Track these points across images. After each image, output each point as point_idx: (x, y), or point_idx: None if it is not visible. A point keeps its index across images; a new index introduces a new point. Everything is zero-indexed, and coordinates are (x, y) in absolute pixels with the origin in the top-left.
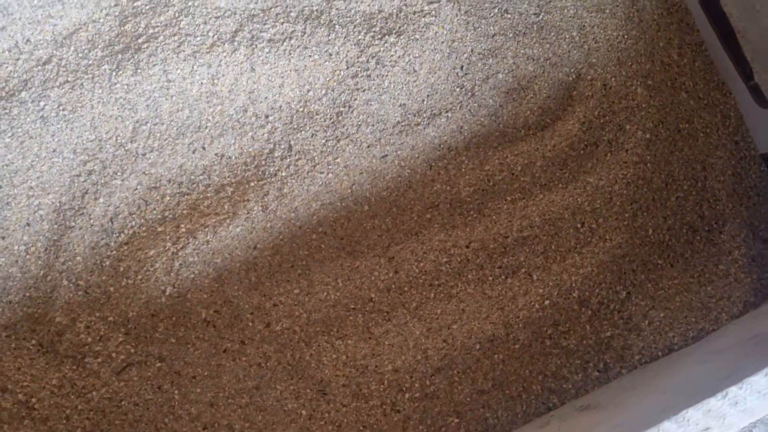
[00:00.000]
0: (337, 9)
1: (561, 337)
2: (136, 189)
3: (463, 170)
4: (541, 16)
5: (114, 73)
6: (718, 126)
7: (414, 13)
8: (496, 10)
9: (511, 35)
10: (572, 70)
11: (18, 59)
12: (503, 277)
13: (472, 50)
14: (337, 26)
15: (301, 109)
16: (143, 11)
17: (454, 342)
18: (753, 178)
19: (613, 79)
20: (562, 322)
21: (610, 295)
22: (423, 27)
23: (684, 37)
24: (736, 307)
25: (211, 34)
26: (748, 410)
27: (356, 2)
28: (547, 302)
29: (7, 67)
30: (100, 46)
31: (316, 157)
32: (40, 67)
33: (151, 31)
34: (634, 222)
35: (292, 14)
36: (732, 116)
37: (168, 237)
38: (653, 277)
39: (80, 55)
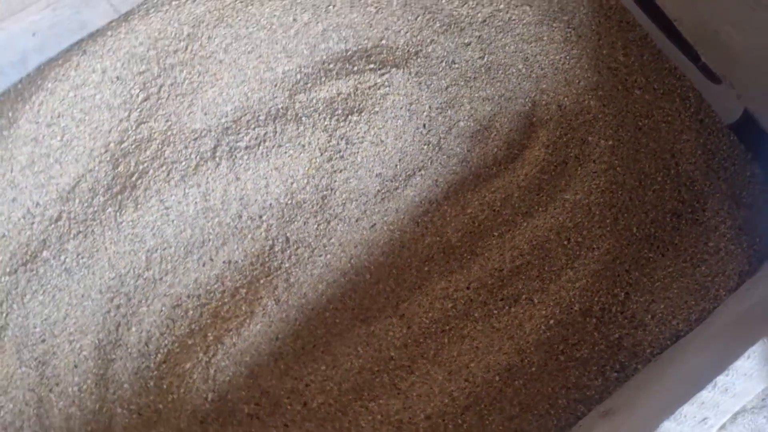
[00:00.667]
0: (299, 102)
1: (573, 350)
2: (161, 311)
3: (448, 219)
4: (486, 59)
5: (118, 214)
6: (680, 111)
7: (369, 87)
8: (443, 64)
9: (462, 83)
10: (527, 100)
11: (33, 223)
12: (507, 307)
13: (430, 107)
14: (303, 118)
15: (289, 202)
16: (130, 150)
17: (474, 379)
18: (725, 149)
19: (566, 99)
20: (571, 336)
21: (609, 299)
22: (380, 99)
23: (627, 36)
24: (732, 280)
25: (193, 156)
26: (738, 394)
27: (315, 91)
28: (552, 321)
29: (25, 232)
30: (101, 192)
31: (312, 243)
32: (53, 225)
33: (141, 167)
34: (617, 225)
35: (260, 117)
36: (691, 97)
37: (199, 348)
38: (647, 271)
39: (85, 204)
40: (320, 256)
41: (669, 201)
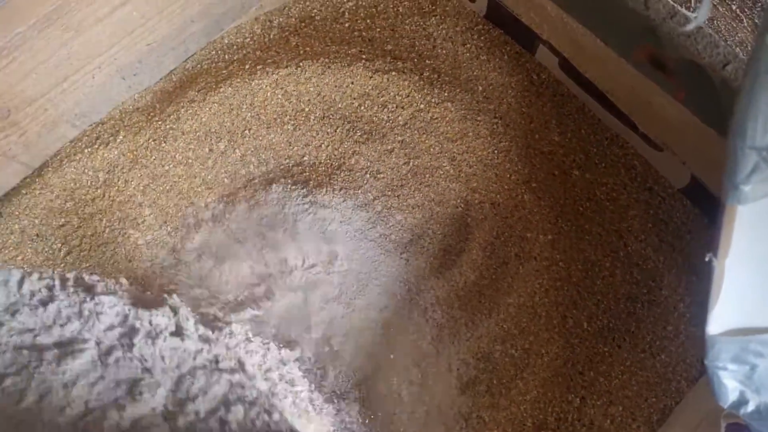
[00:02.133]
0: (226, 233)
1: None
2: None
3: (391, 340)
4: (411, 164)
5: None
6: (625, 182)
7: (294, 210)
8: (367, 176)
9: (389, 193)
10: (459, 202)
11: None
12: (457, 428)
13: (358, 224)
14: (233, 245)
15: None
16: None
17: None
18: (678, 216)
19: (498, 196)
20: None
21: (564, 407)
22: (308, 221)
23: (562, 110)
24: (694, 368)
25: None
26: None
27: (240, 220)
28: None
29: None
30: None
31: None
32: None
33: None
34: (566, 324)
35: (185, 258)
36: (637, 165)
37: None
38: (603, 369)
39: None
40: None
41: (621, 285)
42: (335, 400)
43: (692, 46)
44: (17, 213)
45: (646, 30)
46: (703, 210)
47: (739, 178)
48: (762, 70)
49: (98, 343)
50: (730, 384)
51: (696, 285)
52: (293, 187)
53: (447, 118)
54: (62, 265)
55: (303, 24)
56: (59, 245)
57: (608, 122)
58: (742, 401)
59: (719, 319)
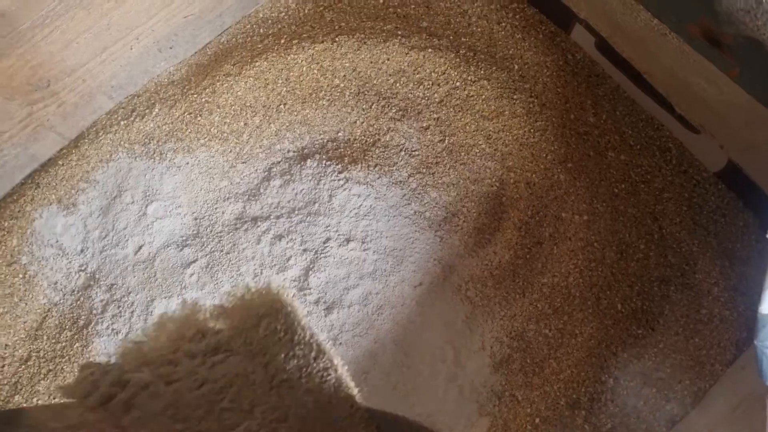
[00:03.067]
0: (259, 207)
1: None
2: None
3: (426, 317)
4: (446, 141)
5: (85, 348)
6: (660, 165)
7: (329, 186)
8: (402, 153)
9: (424, 170)
10: (494, 180)
11: (3, 366)
12: (490, 406)
13: (393, 201)
14: (259, 222)
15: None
16: (94, 279)
17: None
18: (713, 200)
19: (534, 175)
20: None
21: (597, 387)
22: (342, 197)
23: (597, 91)
24: (729, 351)
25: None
26: None
27: (274, 196)
28: (537, 420)
29: None
30: (67, 327)
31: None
32: (23, 366)
33: (106, 296)
34: (600, 305)
35: (217, 229)
36: (672, 147)
37: None
38: (636, 351)
39: (53, 341)
40: None
41: (655, 268)
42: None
43: (752, 21)
44: (54, 184)
45: (703, 4)
46: (738, 194)
47: None
48: None
49: None
50: None
51: (730, 269)
52: (328, 162)
53: (483, 96)
54: (98, 235)
55: None
56: (95, 217)
57: (644, 104)
58: None
59: None
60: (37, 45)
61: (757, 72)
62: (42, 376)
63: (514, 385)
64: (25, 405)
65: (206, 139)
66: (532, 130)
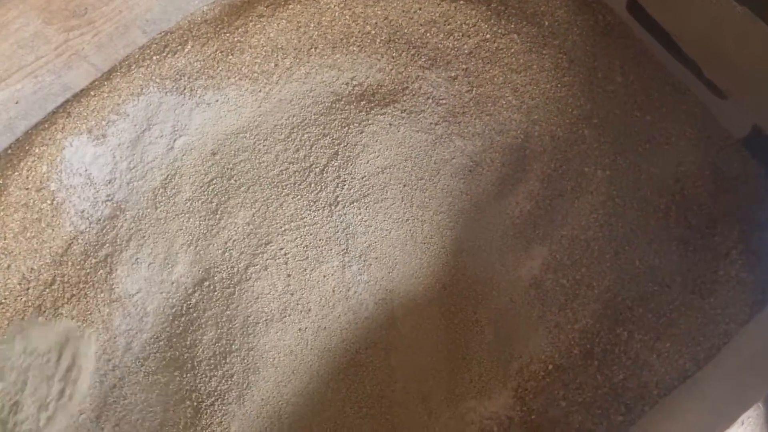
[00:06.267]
0: (291, 148)
1: (575, 395)
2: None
3: (446, 259)
4: (474, 92)
5: (109, 276)
6: (684, 128)
7: (357, 129)
8: (430, 101)
9: (451, 119)
10: (519, 132)
11: (28, 288)
12: (506, 350)
13: (419, 146)
14: (289, 165)
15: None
16: (121, 209)
17: (473, 428)
18: (736, 167)
19: (559, 129)
20: (571, 381)
21: (611, 339)
22: (369, 139)
23: (625, 53)
24: (744, 312)
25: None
26: None
27: (304, 136)
28: (551, 366)
29: (21, 298)
30: (92, 254)
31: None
32: (48, 290)
33: (132, 225)
34: (618, 260)
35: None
36: (697, 112)
37: None
38: (652, 306)
39: (78, 267)
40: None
41: (674, 228)
42: None
43: None
44: (85, 114)
45: None
46: (761, 161)
47: None
48: None
49: None
50: None
51: (750, 233)
52: (356, 106)
53: (512, 50)
54: (126, 163)
55: None
56: (124, 148)
57: (672, 68)
58: None
59: None
60: None
61: None
62: (65, 300)
63: (529, 333)
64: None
65: (236, 78)
66: (559, 85)
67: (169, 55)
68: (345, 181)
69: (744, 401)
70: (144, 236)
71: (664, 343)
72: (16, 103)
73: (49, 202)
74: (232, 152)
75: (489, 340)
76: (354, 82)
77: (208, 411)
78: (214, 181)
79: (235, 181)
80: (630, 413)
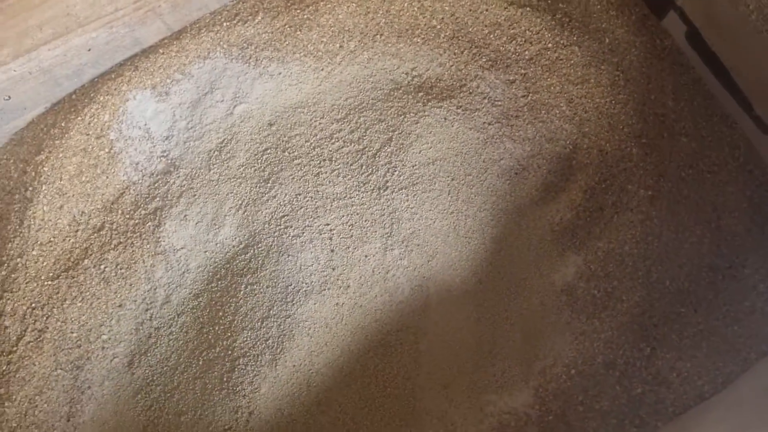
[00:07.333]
0: (345, 128)
1: (593, 401)
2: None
3: (483, 256)
4: (529, 97)
5: (156, 229)
6: (727, 160)
7: (412, 119)
8: (486, 101)
9: (504, 121)
10: (568, 143)
11: (77, 231)
12: (531, 350)
13: (470, 143)
14: (344, 146)
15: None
16: (175, 166)
17: (490, 423)
18: None
19: (608, 144)
20: (591, 387)
21: (635, 353)
22: (423, 131)
23: (679, 79)
24: (766, 343)
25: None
26: None
27: (360, 120)
28: (573, 371)
29: (69, 239)
30: (142, 206)
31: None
32: (96, 235)
33: (184, 183)
34: (650, 278)
35: (302, 148)
36: (741, 146)
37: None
38: (677, 327)
39: (127, 216)
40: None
41: (707, 255)
42: None
43: None
44: (152, 70)
45: None
46: None
47: None
48: None
49: None
50: None
51: None
52: (413, 96)
53: (572, 61)
54: (185, 123)
55: None
56: (185, 108)
57: (721, 99)
58: None
59: None
60: None
61: None
62: (112, 246)
63: (556, 336)
64: (92, 269)
65: (301, 54)
66: (613, 102)
67: (239, 24)
68: (396, 167)
69: (759, 428)
70: (195, 195)
71: (685, 363)
72: (89, 50)
73: (106, 150)
74: (289, 125)
75: (516, 338)
76: (414, 73)
77: (241, 370)
78: (268, 151)
79: (289, 153)
80: (644, 426)
